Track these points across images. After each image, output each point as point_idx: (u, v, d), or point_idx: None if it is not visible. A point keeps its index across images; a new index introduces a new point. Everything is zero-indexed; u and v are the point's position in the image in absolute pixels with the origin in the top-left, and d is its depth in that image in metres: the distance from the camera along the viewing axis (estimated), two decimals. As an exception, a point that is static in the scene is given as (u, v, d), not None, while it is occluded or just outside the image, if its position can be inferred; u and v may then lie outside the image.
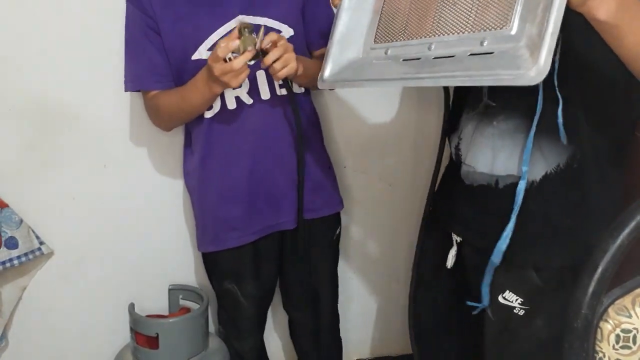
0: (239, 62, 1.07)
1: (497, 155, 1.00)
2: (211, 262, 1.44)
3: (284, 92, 1.28)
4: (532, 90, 0.91)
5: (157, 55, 1.24)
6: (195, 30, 1.22)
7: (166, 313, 1.60)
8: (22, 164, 1.47)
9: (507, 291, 1.04)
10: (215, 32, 1.22)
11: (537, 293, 1.02)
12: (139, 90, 1.32)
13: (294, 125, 1.28)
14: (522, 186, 0.96)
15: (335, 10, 1.05)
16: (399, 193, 1.77)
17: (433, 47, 0.85)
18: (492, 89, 1.01)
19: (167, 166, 1.57)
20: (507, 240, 0.98)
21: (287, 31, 1.27)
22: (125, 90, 1.31)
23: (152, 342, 1.45)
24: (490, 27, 0.78)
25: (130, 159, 1.54)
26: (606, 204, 0.99)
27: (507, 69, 0.71)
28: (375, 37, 0.99)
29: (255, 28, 1.10)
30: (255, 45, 1.08)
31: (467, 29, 0.81)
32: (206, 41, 1.22)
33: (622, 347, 0.71)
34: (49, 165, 1.49)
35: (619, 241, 0.66)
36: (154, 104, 1.31)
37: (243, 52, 1.07)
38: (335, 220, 1.49)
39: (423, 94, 1.68)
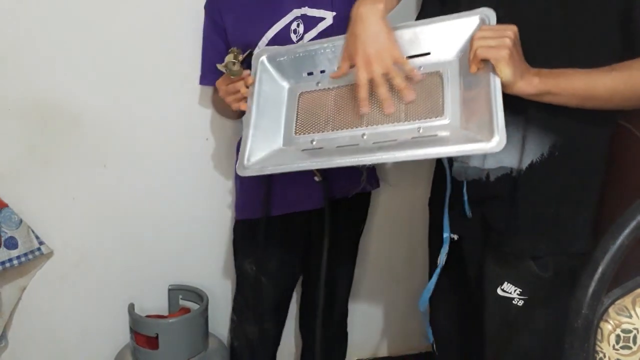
0: (235, 86, 1.16)
1: None
2: (239, 234, 1.47)
3: None
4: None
5: (217, 57, 1.32)
6: (254, 28, 1.28)
7: (166, 313, 1.61)
8: (21, 163, 1.47)
9: (506, 282, 1.06)
10: (271, 29, 1.26)
11: (535, 282, 1.04)
12: (205, 85, 1.45)
13: None
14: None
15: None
16: (399, 193, 1.77)
17: (365, 136, 0.97)
18: None
19: (166, 166, 1.57)
20: None
21: (329, 16, 1.27)
22: (199, 84, 1.44)
23: (152, 342, 1.45)
24: (423, 118, 0.93)
25: (130, 159, 1.54)
26: (588, 193, 1.01)
27: (466, 142, 0.85)
28: (296, 129, 1.04)
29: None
30: (237, 63, 1.14)
31: (400, 120, 0.95)
32: (263, 38, 1.27)
33: (623, 348, 0.71)
34: (49, 165, 1.49)
35: (619, 241, 0.66)
36: (213, 99, 1.48)
37: (230, 74, 1.14)
38: (363, 217, 1.53)
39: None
